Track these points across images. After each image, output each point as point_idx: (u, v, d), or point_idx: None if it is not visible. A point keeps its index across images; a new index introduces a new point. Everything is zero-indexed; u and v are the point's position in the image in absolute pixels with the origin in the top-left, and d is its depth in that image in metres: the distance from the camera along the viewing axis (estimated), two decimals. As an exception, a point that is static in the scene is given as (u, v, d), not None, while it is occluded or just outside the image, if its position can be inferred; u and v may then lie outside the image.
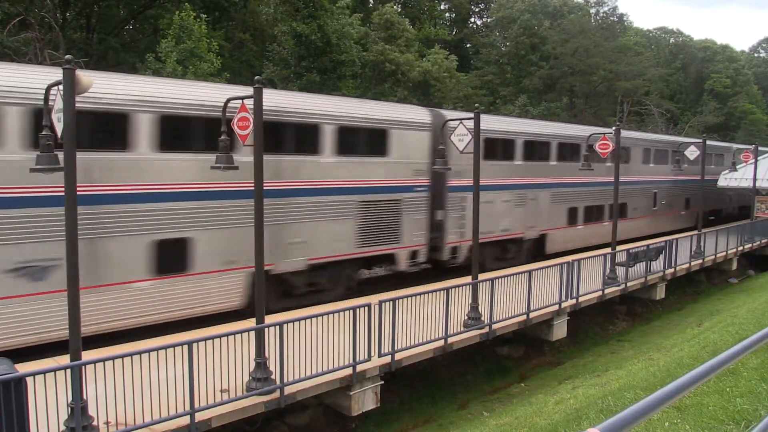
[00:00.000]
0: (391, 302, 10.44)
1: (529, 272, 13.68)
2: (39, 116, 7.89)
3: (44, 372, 6.64)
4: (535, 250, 20.69)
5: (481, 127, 12.46)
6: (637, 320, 19.89)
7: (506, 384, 14.04)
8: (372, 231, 15.27)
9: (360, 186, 14.92)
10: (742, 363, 7.12)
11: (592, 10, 64.57)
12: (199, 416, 7.92)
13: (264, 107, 8.58)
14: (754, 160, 27.66)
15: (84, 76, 6.75)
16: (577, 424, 7.58)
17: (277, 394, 8.85)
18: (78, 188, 6.95)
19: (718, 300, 21.28)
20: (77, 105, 6.74)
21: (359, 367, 9.89)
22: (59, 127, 6.77)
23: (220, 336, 8.33)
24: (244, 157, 10.78)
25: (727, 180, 29.92)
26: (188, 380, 7.68)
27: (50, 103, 7.10)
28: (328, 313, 9.60)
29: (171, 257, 11.67)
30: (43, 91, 7.36)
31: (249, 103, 8.69)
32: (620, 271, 17.28)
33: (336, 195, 14.32)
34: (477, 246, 12.88)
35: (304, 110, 13.03)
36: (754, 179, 27.49)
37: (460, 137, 12.55)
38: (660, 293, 19.41)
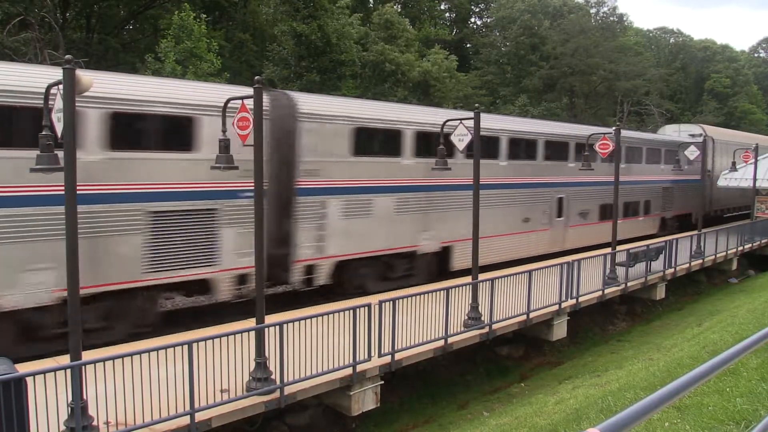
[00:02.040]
0: (391, 302, 10.44)
1: (529, 272, 13.69)
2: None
3: (44, 372, 6.64)
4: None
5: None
6: (637, 320, 19.90)
7: (506, 384, 14.03)
8: (682, 198, 30.84)
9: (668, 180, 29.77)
10: (742, 363, 7.12)
11: (592, 10, 64.54)
12: (199, 416, 7.92)
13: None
14: (754, 160, 27.66)
15: (84, 76, 6.75)
16: (577, 424, 7.58)
17: (277, 394, 8.85)
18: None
19: (718, 300, 21.28)
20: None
21: (359, 367, 9.89)
22: (59, 127, 6.77)
23: (220, 336, 8.33)
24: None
25: (727, 180, 29.92)
26: (188, 380, 7.68)
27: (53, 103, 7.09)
28: (328, 313, 9.60)
29: (634, 210, 26.74)
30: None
31: (249, 103, 8.70)
32: (620, 271, 17.28)
33: (682, 184, 30.21)
34: (477, 245, 12.88)
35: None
36: (754, 179, 27.50)
37: (460, 137, 12.57)
38: (660, 293, 19.41)
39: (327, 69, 33.85)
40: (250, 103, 8.67)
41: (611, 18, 65.06)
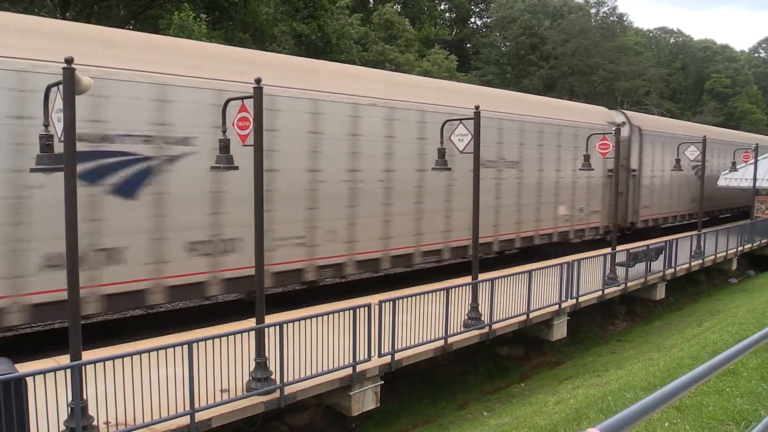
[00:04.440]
0: (391, 302, 10.44)
1: (529, 272, 13.69)
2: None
3: (44, 372, 6.64)
4: None
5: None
6: (637, 320, 19.89)
7: (506, 384, 14.03)
8: None
9: None
10: (742, 363, 7.12)
11: (592, 10, 64.59)
12: (199, 416, 7.92)
13: None
14: (754, 160, 27.66)
15: (84, 76, 6.74)
16: (577, 424, 7.58)
17: (277, 394, 8.85)
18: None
19: (718, 300, 21.27)
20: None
21: (359, 367, 9.89)
22: (59, 127, 6.76)
23: (220, 336, 8.33)
24: None
25: (727, 180, 29.93)
26: (188, 380, 7.68)
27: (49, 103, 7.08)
28: (328, 313, 9.61)
29: None
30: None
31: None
32: (620, 271, 17.28)
33: None
34: (477, 244, 12.88)
35: None
36: (755, 179, 27.49)
37: (460, 137, 12.53)
38: (660, 293, 19.41)
39: (327, 69, 33.87)
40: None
41: (611, 18, 65.12)
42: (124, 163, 11.18)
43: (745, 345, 3.59)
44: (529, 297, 13.53)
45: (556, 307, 14.44)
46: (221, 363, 8.17)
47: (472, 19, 67.93)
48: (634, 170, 25.64)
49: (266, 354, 8.81)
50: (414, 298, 11.15)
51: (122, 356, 7.32)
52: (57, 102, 6.79)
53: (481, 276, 13.08)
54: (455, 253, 17.77)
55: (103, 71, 10.65)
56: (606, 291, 16.55)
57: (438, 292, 11.69)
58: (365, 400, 10.21)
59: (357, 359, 9.77)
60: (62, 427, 6.99)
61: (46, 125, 7.12)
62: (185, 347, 7.74)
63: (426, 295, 11.35)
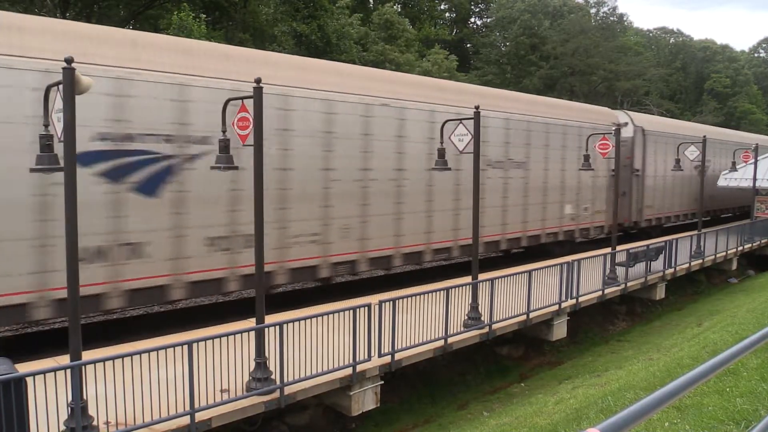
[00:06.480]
0: (391, 302, 10.44)
1: (529, 272, 13.68)
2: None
3: (44, 372, 6.64)
4: None
5: None
6: (637, 320, 19.90)
7: (506, 384, 14.04)
8: None
9: None
10: (742, 363, 7.12)
11: (592, 10, 64.62)
12: (199, 416, 7.92)
13: None
14: (754, 160, 27.67)
15: (84, 76, 6.74)
16: (577, 424, 7.58)
17: (277, 394, 8.86)
18: None
19: (718, 300, 21.28)
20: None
21: (359, 367, 9.89)
22: (59, 127, 6.76)
23: (220, 336, 8.33)
24: None
25: (727, 180, 29.94)
26: (188, 380, 7.68)
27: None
28: (328, 313, 9.61)
29: None
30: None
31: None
32: (620, 271, 17.28)
33: None
34: (477, 244, 12.88)
35: None
36: (754, 179, 27.50)
37: (460, 137, 12.53)
38: (660, 293, 19.41)
39: (327, 69, 33.82)
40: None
41: (611, 18, 65.14)
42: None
43: (745, 345, 3.59)
44: (529, 297, 13.53)
45: (556, 307, 14.44)
46: (221, 363, 8.17)
47: (472, 19, 68.00)
48: None
49: (266, 354, 8.81)
50: (414, 298, 11.15)
51: (122, 356, 7.32)
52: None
53: (481, 276, 13.08)
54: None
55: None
56: (606, 291, 16.55)
57: (438, 292, 11.69)
58: (365, 400, 10.22)
59: (357, 359, 9.77)
60: (62, 427, 6.99)
61: (47, 125, 7.13)
62: (185, 347, 7.74)
63: (426, 295, 11.35)
